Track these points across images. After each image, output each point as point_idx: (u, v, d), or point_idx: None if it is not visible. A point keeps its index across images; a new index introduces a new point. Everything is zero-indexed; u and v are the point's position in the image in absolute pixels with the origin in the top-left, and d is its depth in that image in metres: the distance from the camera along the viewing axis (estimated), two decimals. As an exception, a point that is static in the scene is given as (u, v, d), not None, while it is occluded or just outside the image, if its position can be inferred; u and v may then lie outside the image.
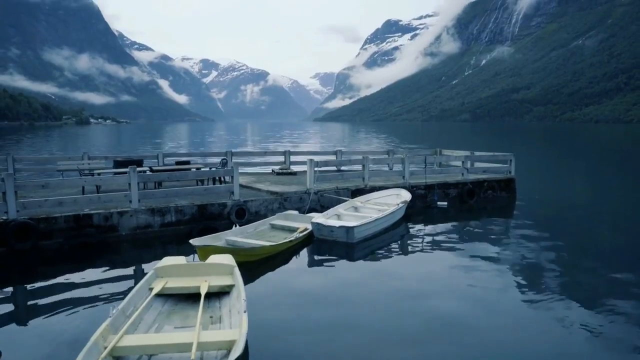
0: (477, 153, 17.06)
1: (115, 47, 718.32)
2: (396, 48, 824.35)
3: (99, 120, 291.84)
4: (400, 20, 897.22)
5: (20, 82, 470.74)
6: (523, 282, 7.87)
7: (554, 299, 7.08)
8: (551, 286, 7.65)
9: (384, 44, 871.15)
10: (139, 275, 7.87)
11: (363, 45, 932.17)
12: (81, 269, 8.40)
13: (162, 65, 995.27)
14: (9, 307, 6.84)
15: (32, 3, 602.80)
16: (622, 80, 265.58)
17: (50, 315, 6.38)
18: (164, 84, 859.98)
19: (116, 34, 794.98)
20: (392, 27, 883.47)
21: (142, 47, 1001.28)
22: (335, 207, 11.97)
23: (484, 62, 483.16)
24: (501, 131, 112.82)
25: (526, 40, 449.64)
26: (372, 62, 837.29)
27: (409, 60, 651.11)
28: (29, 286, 7.70)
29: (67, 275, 8.04)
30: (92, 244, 9.58)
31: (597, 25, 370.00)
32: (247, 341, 4.83)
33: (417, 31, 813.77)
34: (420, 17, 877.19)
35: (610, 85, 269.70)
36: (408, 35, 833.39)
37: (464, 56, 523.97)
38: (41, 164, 18.03)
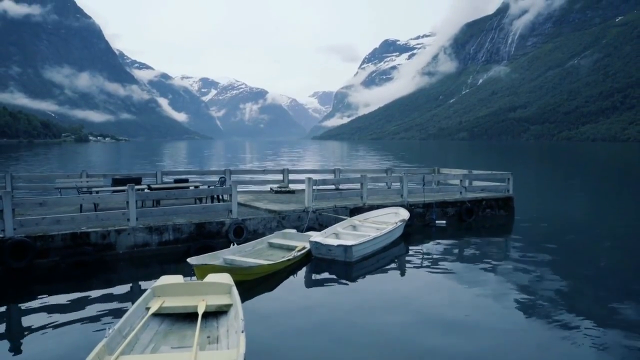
0: (475, 172, 17.14)
1: (115, 65, 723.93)
2: (394, 67, 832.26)
3: (98, 138, 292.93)
4: (398, 40, 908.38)
5: (20, 99, 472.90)
6: (523, 301, 7.82)
7: (554, 318, 7.04)
8: (551, 305, 7.60)
9: (382, 63, 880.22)
10: (135, 294, 7.80)
11: (361, 65, 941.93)
12: (77, 287, 8.33)
13: (162, 84, 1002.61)
14: (2, 327, 6.76)
15: (34, 22, 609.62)
16: (617, 99, 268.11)
17: (45, 335, 6.30)
18: (163, 102, 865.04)
19: (117, 53, 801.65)
20: (389, 47, 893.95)
21: (142, 66, 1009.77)
22: (334, 225, 11.96)
23: (480, 81, 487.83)
24: (499, 150, 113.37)
25: (522, 60, 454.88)
26: (370, 81, 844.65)
27: (406, 79, 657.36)
28: (23, 305, 7.62)
29: (63, 294, 7.97)
30: (88, 262, 9.52)
31: (591, 45, 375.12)
32: (244, 362, 4.77)
33: (415, 51, 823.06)
34: (418, 37, 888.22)
35: (606, 104, 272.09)
36: (405, 55, 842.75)
37: (461, 75, 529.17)
38: (39, 182, 18.01)
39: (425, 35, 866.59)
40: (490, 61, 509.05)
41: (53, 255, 9.40)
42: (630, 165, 56.22)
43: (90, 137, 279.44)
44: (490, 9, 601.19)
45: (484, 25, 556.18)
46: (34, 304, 7.58)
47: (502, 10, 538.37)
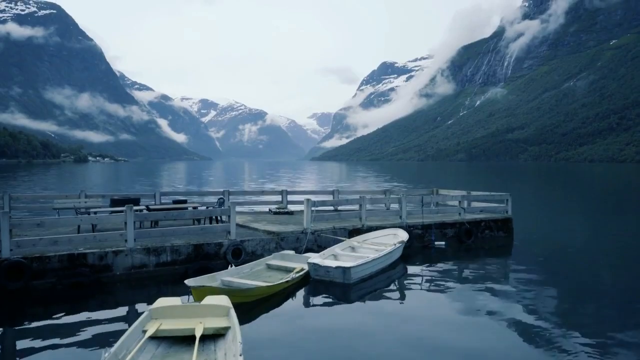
0: (473, 193, 17.15)
1: (116, 87, 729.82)
2: (392, 89, 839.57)
3: (97, 158, 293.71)
4: (396, 63, 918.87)
5: (20, 120, 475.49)
6: (522, 324, 7.75)
7: (553, 341, 6.97)
8: (551, 329, 7.53)
9: (380, 85, 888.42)
10: (132, 316, 7.72)
11: (359, 86, 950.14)
12: (73, 309, 8.25)
13: (162, 105, 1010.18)
14: (-3, 350, 6.67)
15: (37, 44, 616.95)
16: (614, 121, 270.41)
17: (40, 358, 6.21)
18: (163, 123, 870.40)
19: (117, 74, 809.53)
20: (387, 69, 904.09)
21: (143, 87, 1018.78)
22: (332, 247, 11.92)
23: (478, 102, 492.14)
24: (497, 170, 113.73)
25: (519, 82, 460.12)
26: (369, 103, 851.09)
27: (404, 101, 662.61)
28: (18, 327, 7.52)
29: (59, 316, 7.88)
30: (85, 283, 9.43)
31: (587, 68, 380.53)
32: (241, 386, 4.70)
33: (412, 73, 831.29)
34: (415, 60, 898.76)
35: (602, 125, 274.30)
36: (403, 77, 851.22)
37: (458, 97, 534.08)
38: (38, 202, 17.97)
39: (422, 58, 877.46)
40: (487, 83, 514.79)
41: (49, 277, 9.32)
42: (629, 186, 56.36)
43: (90, 158, 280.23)
44: (487, 32, 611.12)
45: (481, 48, 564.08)
46: (29, 326, 7.50)
47: (498, 34, 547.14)
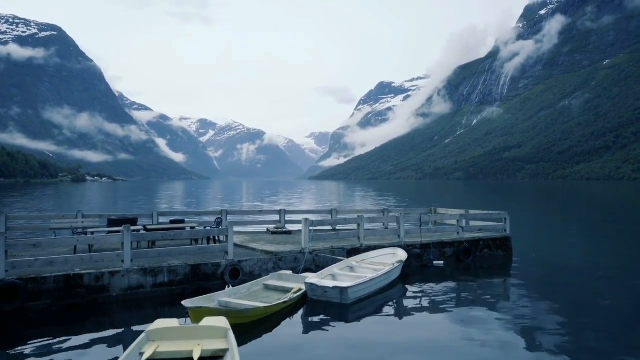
0: (472, 212, 17.14)
1: (115, 107, 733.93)
2: (389, 109, 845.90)
3: (95, 177, 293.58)
4: (393, 82, 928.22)
5: (19, 140, 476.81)
6: (522, 344, 7.68)
7: (555, 362, 6.90)
8: (550, 349, 7.46)
9: (378, 104, 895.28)
10: (129, 338, 7.62)
11: (357, 106, 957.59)
12: (69, 331, 8.14)
13: (160, 125, 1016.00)
14: (-10, 374, 6.56)
15: (37, 65, 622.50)
16: (610, 139, 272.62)
17: (34, 383, 6.11)
18: (161, 142, 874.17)
19: (117, 94, 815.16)
20: (385, 89, 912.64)
21: (142, 107, 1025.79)
22: (331, 266, 11.86)
23: (475, 122, 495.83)
24: (495, 189, 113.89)
25: (515, 101, 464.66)
26: (366, 122, 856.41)
27: (401, 120, 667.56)
28: (12, 351, 7.40)
29: (54, 339, 7.77)
30: (81, 305, 9.34)
31: (581, 87, 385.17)
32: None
33: (409, 93, 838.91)
34: (412, 80, 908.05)
35: (599, 143, 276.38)
36: (400, 97, 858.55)
37: (455, 116, 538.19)
38: (34, 222, 17.90)
39: (419, 78, 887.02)
40: (483, 102, 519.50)
41: (45, 298, 9.23)
42: (626, 204, 56.44)
43: (88, 177, 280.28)
44: (482, 53, 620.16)
45: (477, 68, 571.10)
46: (24, 349, 7.39)
47: (494, 54, 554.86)
